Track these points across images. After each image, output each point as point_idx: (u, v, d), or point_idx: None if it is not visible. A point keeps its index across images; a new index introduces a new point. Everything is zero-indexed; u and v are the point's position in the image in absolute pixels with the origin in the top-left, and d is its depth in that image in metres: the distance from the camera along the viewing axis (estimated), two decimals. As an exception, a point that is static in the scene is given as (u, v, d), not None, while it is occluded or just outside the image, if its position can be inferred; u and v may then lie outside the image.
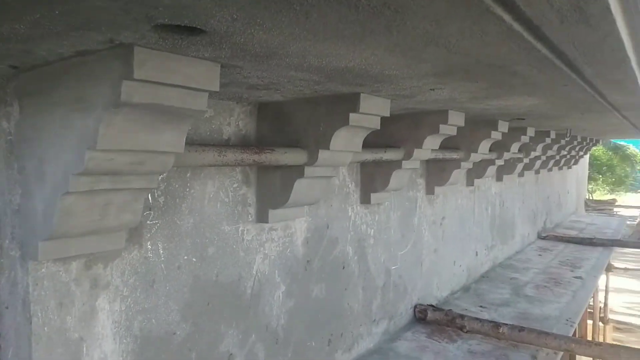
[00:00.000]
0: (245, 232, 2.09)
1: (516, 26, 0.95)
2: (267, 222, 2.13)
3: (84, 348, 1.52)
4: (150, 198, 1.70)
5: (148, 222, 1.70)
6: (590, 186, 22.48)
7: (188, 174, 1.84)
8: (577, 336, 4.68)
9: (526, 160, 4.98)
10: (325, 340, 2.60)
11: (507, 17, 0.89)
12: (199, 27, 0.91)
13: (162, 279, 1.75)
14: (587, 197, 18.68)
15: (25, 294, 1.40)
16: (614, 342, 7.12)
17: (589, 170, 19.44)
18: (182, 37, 0.99)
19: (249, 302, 2.12)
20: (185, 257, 1.84)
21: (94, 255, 1.53)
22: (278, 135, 2.07)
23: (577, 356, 6.50)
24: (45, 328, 1.43)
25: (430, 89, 1.78)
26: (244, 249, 2.09)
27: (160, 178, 1.73)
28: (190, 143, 1.59)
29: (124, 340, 1.63)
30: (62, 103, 1.26)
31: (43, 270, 1.41)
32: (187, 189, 1.84)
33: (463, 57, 1.23)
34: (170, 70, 1.14)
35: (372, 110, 1.95)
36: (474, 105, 2.35)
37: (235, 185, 2.04)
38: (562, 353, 3.04)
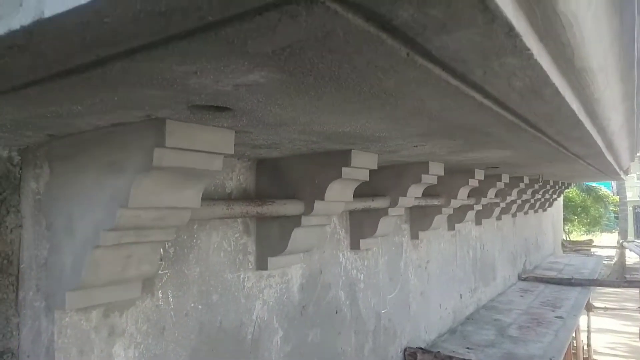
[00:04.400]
0: (246, 279, 2.22)
1: (486, 102, 1.16)
2: (266, 269, 2.27)
3: (101, 394, 1.61)
4: (161, 250, 1.84)
5: (159, 272, 1.83)
6: (566, 227, 23.05)
7: (195, 226, 1.99)
8: (561, 376, 4.79)
9: (503, 205, 5.24)
10: (320, 384, 2.68)
11: (477, 96, 1.11)
12: (228, 106, 1.10)
13: (172, 325, 1.87)
14: (564, 237, 19.14)
15: (49, 342, 1.51)
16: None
17: (564, 211, 20.01)
18: (209, 112, 1.18)
19: (250, 347, 2.22)
20: (192, 305, 1.96)
21: (112, 305, 1.65)
22: (276, 188, 2.25)
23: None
24: (67, 375, 1.53)
25: (414, 146, 1.99)
26: (244, 295, 2.21)
27: (171, 230, 1.87)
28: (200, 198, 1.76)
29: (137, 386, 1.73)
30: (94, 166, 1.42)
31: (67, 319, 1.53)
32: (194, 240, 1.99)
33: (443, 123, 1.45)
34: (194, 138, 1.32)
35: (362, 164, 2.15)
36: (452, 157, 2.58)
37: (237, 235, 2.19)
38: (547, 391, 3.16)
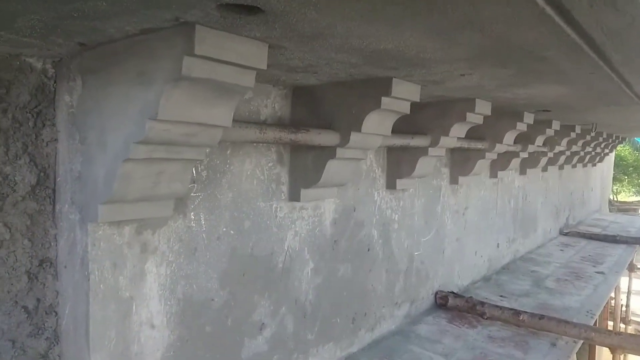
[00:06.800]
0: (278, 209, 2.20)
1: (548, 10, 1.03)
2: (298, 200, 2.24)
3: (134, 306, 1.66)
4: (194, 172, 1.82)
5: (192, 194, 1.83)
6: (615, 187, 22.05)
7: (228, 151, 1.96)
8: (596, 331, 4.69)
9: (550, 155, 4.99)
10: (349, 319, 2.71)
11: (539, 1, 0.98)
12: (258, 6, 1.02)
13: (203, 248, 1.88)
14: (611, 197, 18.32)
15: (84, 253, 1.54)
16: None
17: (614, 170, 19.03)
18: (240, 16, 1.09)
19: (280, 275, 2.23)
20: (224, 229, 1.96)
21: (144, 222, 1.66)
22: (312, 118, 2.18)
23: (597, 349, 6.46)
24: (101, 285, 1.56)
25: (461, 75, 1.85)
26: (277, 225, 2.20)
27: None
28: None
29: (169, 302, 1.77)
30: (124, 78, 1.38)
31: (100, 232, 1.55)
32: (227, 165, 1.96)
33: (496, 41, 1.31)
34: (225, 48, 1.25)
35: (403, 94, 2.03)
36: (501, 94, 2.42)
37: (270, 165, 2.16)
38: (581, 341, 3.09)
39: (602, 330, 2.99)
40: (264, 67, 1.36)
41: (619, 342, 2.87)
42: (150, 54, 1.29)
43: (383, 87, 1.96)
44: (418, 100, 2.13)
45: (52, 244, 1.66)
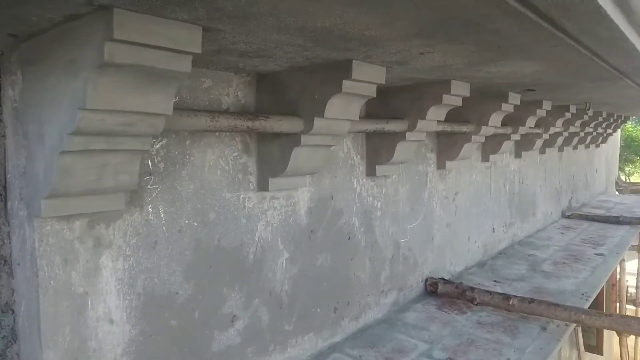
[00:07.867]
0: (246, 199, 2.17)
1: (471, -27, 0.97)
2: (267, 190, 2.19)
3: (89, 302, 1.63)
4: (150, 163, 1.79)
5: (149, 186, 1.79)
6: (627, 168, 21.68)
7: (187, 142, 1.92)
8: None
9: (545, 136, 4.89)
10: (331, 308, 2.67)
11: (457, -37, 0.92)
12: (165, -17, 0.97)
13: (164, 241, 1.85)
14: (623, 179, 18.03)
15: (32, 249, 1.51)
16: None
17: (626, 151, 18.67)
18: (155, -4, 1.05)
19: (251, 267, 2.20)
20: (187, 221, 1.93)
21: (97, 216, 1.64)
22: (276, 106, 2.13)
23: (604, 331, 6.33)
24: (52, 282, 1.54)
25: (420, 53, 1.79)
26: (245, 216, 2.16)
27: (159, 145, 1.81)
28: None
29: (128, 297, 1.74)
30: (56, 67, 1.35)
31: (48, 227, 1.52)
32: (187, 157, 1.92)
33: (434, 13, 1.25)
34: (150, 31, 1.20)
35: (366, 77, 1.97)
36: (474, 73, 2.34)
37: (235, 154, 2.12)
38: (573, 325, 3.02)
39: (592, 312, 2.92)
40: (199, 50, 1.31)
41: (609, 324, 2.80)
42: (76, 42, 1.25)
43: (343, 70, 1.90)
44: (384, 83, 2.07)
45: (6, 241, 1.64)
